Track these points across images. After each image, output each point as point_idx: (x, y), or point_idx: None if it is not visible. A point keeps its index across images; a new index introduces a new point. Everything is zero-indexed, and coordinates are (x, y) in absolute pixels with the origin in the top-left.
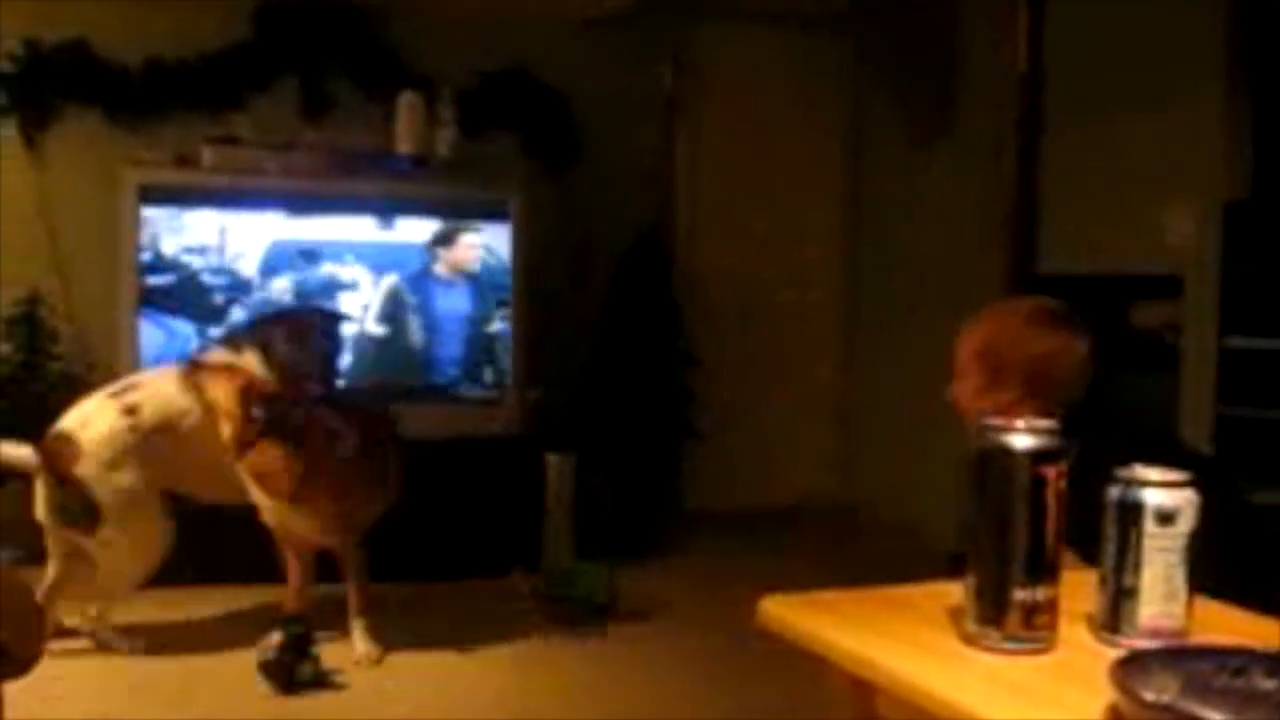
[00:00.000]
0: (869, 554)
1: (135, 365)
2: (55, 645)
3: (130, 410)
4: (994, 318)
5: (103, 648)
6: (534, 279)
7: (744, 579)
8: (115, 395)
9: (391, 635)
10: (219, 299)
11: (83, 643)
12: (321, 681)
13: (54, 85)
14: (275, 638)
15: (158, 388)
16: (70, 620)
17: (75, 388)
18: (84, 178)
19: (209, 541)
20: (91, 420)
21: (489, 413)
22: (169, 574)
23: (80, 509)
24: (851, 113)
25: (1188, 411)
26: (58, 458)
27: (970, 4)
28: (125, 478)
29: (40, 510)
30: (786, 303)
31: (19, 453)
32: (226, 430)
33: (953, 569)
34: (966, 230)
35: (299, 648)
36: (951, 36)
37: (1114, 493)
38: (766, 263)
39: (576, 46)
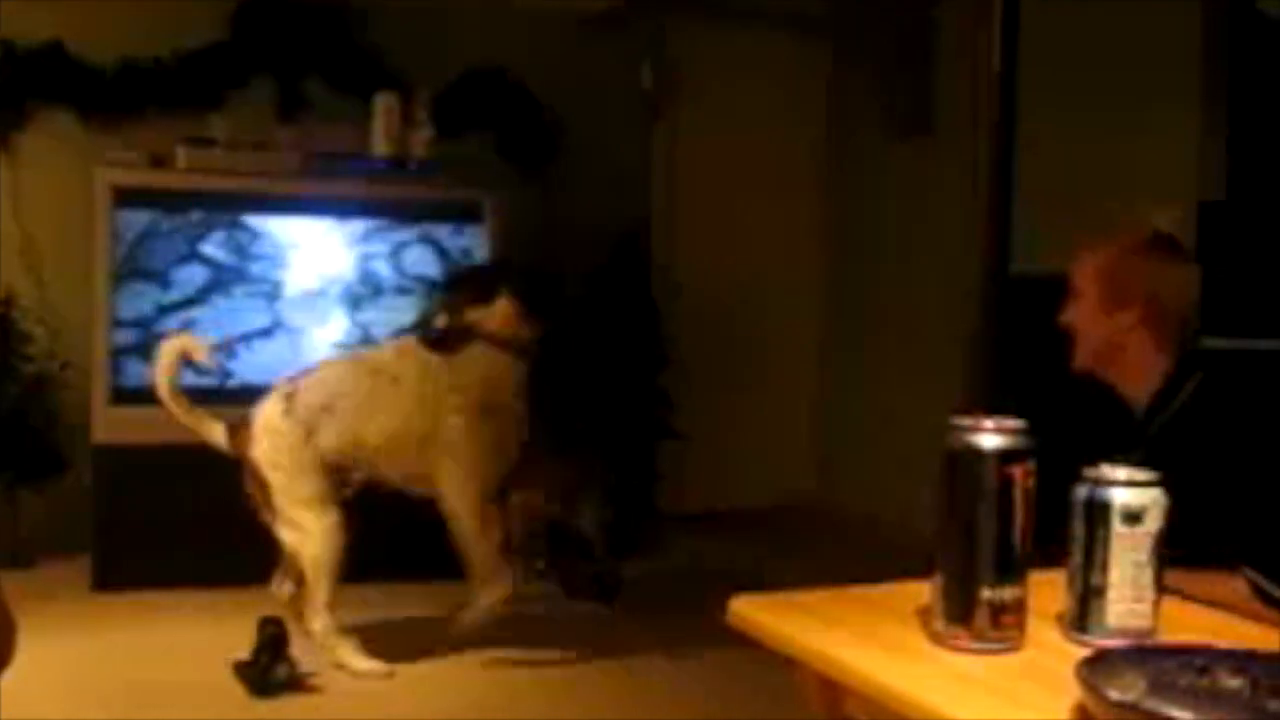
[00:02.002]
0: (850, 554)
1: (108, 367)
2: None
3: (287, 397)
4: (1117, 243)
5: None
6: None
7: (722, 580)
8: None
9: (366, 636)
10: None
11: (55, 645)
12: (297, 684)
13: (28, 86)
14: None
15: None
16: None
17: (50, 389)
18: (58, 179)
19: (197, 544)
20: (259, 405)
21: None
22: (154, 577)
23: (258, 491)
24: (830, 112)
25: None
26: (238, 439)
27: (947, 2)
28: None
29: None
30: (765, 302)
31: (214, 432)
32: None
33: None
34: (945, 229)
35: (275, 649)
36: (929, 35)
37: (1081, 492)
38: (745, 262)
39: (554, 46)
